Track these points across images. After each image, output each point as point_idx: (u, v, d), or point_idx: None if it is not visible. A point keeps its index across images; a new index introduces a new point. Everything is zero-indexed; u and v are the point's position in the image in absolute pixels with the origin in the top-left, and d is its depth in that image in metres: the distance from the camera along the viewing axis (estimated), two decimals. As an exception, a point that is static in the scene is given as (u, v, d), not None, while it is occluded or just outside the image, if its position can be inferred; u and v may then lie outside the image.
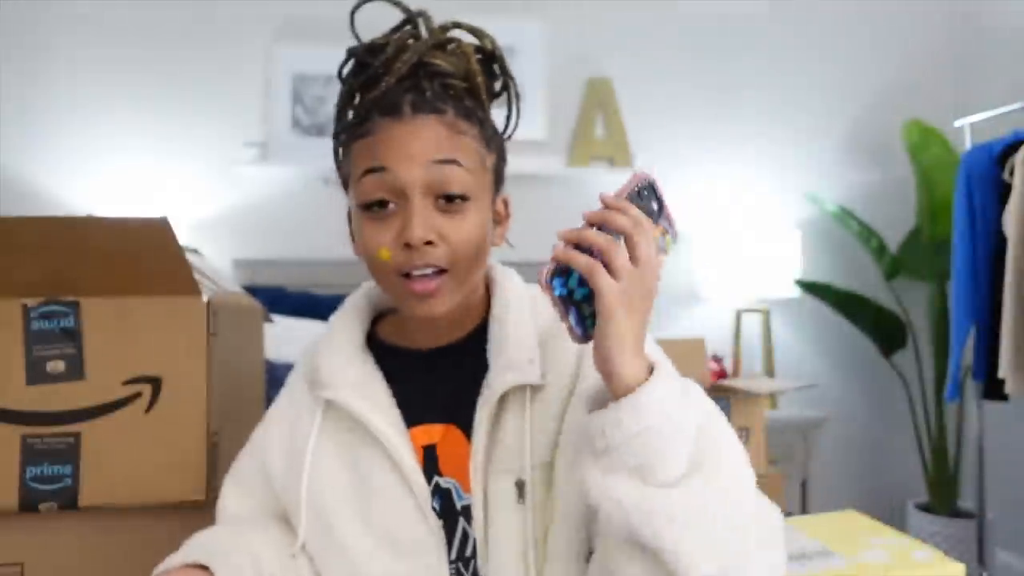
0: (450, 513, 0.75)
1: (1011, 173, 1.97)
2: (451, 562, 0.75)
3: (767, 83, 2.80)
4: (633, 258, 0.59)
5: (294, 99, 2.57)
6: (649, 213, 0.63)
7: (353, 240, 0.79)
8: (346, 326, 0.82)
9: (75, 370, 0.90)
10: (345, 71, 0.81)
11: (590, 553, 0.71)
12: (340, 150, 0.79)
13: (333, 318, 0.84)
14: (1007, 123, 2.17)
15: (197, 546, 0.76)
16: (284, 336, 2.10)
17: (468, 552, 0.75)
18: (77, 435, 0.89)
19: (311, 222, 2.59)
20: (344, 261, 2.89)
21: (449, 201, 0.71)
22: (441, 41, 0.76)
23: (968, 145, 2.22)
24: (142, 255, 0.88)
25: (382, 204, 0.71)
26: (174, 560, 0.73)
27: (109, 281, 0.90)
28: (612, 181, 2.72)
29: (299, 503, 0.77)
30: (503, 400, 0.74)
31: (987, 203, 2.07)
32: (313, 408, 0.80)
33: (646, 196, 0.65)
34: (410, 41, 0.77)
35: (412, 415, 0.77)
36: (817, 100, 2.83)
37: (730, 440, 0.65)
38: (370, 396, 0.77)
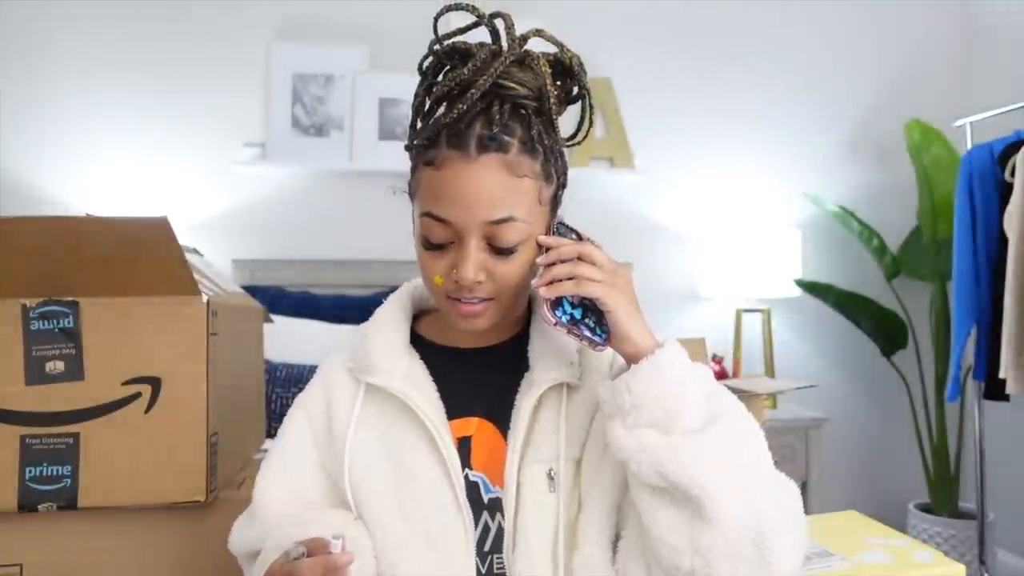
0: (475, 506, 0.78)
1: (1012, 173, 1.97)
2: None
3: (767, 83, 2.80)
4: (598, 264, 0.73)
5: (294, 99, 2.56)
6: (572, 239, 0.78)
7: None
8: (393, 320, 0.86)
9: (74, 370, 0.90)
10: (425, 65, 0.81)
11: (617, 539, 0.77)
12: (411, 158, 0.81)
13: (379, 313, 0.87)
14: (1008, 123, 2.17)
15: (314, 522, 0.77)
16: (284, 336, 2.10)
17: (487, 547, 0.77)
18: (76, 435, 0.89)
19: (311, 222, 2.59)
20: (344, 261, 2.89)
21: (501, 249, 0.75)
22: (519, 57, 0.77)
23: (969, 145, 2.22)
24: (142, 255, 0.88)
25: (440, 244, 0.77)
26: (287, 536, 0.73)
27: (108, 281, 0.90)
28: (612, 181, 2.72)
29: (345, 488, 0.80)
30: (540, 397, 0.79)
31: (988, 203, 2.07)
32: (353, 394, 0.83)
33: (564, 231, 0.79)
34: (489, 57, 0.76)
35: (450, 409, 0.81)
36: (817, 100, 2.83)
37: (738, 404, 0.73)
38: (419, 388, 0.81)
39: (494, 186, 0.73)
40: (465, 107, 0.73)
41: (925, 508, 2.53)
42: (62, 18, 2.49)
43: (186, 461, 0.91)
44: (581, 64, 0.82)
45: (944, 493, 2.51)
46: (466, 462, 0.79)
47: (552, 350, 0.81)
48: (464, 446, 0.80)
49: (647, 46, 2.75)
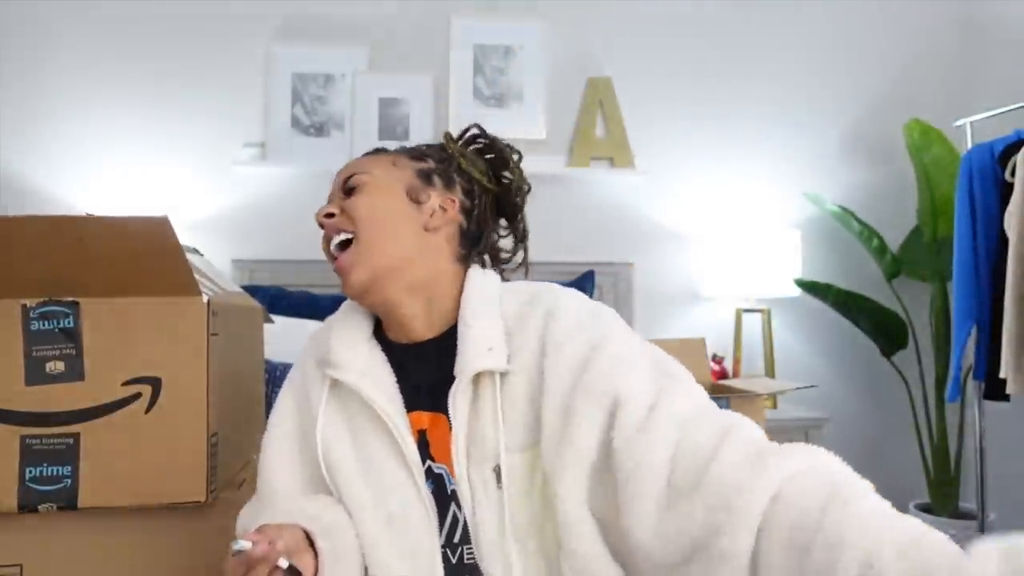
0: (442, 497, 0.80)
1: (1012, 172, 1.97)
2: (441, 546, 0.79)
3: (767, 82, 2.80)
4: None
5: (294, 99, 2.56)
6: None
7: None
8: (355, 314, 0.90)
9: (74, 370, 0.90)
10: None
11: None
12: None
13: (344, 306, 0.92)
14: (1008, 122, 2.16)
15: (294, 512, 0.79)
16: (284, 336, 2.10)
17: (457, 538, 0.79)
18: (76, 436, 0.89)
19: (311, 222, 2.58)
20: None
21: (349, 191, 0.88)
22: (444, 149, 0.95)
23: (969, 144, 2.22)
24: (142, 255, 0.88)
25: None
26: (261, 522, 0.76)
27: (109, 281, 0.90)
28: (612, 181, 2.72)
29: (324, 473, 0.84)
30: (478, 389, 0.79)
31: (988, 202, 2.07)
32: (322, 384, 0.86)
33: None
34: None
35: (408, 402, 0.84)
36: (817, 100, 2.82)
37: None
38: (376, 381, 0.84)
39: (359, 161, 0.90)
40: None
41: (925, 508, 2.53)
42: (62, 19, 2.49)
43: (186, 461, 0.91)
44: (513, 162, 0.95)
45: (944, 493, 2.51)
46: (428, 455, 0.82)
47: (470, 338, 0.80)
48: (423, 439, 0.82)
49: (647, 46, 2.75)
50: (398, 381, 0.85)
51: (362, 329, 0.89)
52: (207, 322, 0.93)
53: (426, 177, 0.88)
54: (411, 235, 0.85)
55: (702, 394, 0.75)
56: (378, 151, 0.93)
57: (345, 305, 0.92)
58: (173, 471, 0.91)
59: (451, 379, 0.80)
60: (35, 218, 0.87)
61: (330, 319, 0.92)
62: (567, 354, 0.76)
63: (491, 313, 0.83)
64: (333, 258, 0.86)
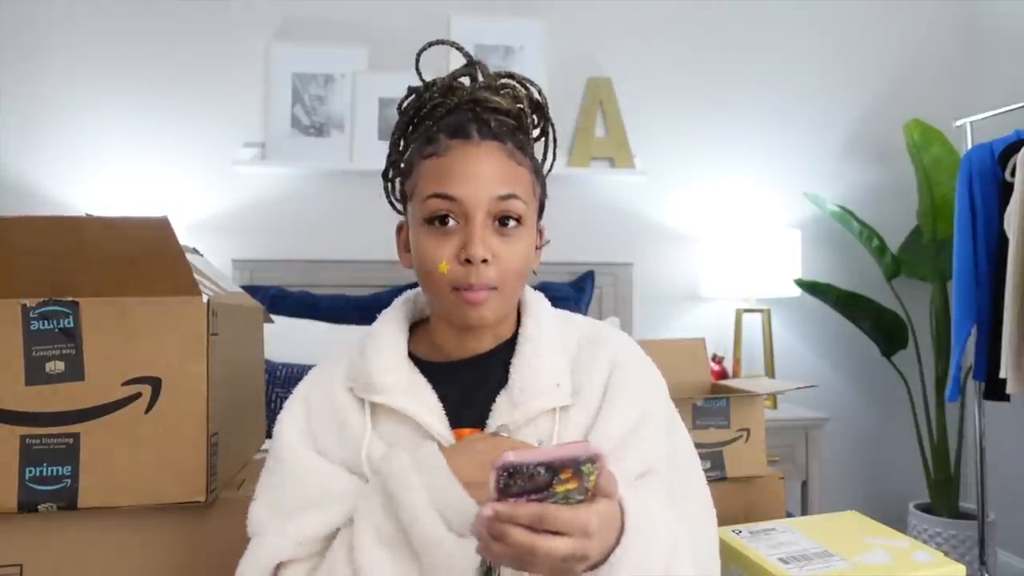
0: None
1: (1012, 173, 1.97)
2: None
3: (767, 82, 2.80)
4: (564, 527, 0.58)
5: (294, 99, 2.56)
6: (543, 484, 0.56)
7: (403, 251, 0.86)
8: (392, 335, 0.85)
9: (74, 370, 0.90)
10: (405, 104, 0.87)
11: None
12: (401, 171, 0.85)
13: (378, 327, 0.86)
14: (1008, 123, 2.17)
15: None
16: (284, 336, 2.10)
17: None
18: (76, 436, 0.89)
19: (311, 222, 2.59)
20: (344, 261, 2.88)
21: (504, 224, 0.78)
22: (494, 85, 0.84)
23: (969, 145, 2.22)
24: (142, 255, 0.88)
25: (444, 220, 0.77)
26: None
27: (109, 281, 0.90)
28: (612, 181, 2.72)
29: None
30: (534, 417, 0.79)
31: (988, 203, 2.07)
32: (361, 410, 0.81)
33: (526, 472, 0.55)
34: (465, 79, 0.84)
35: (450, 419, 0.81)
36: (818, 100, 2.83)
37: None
38: (421, 401, 0.80)
39: (500, 166, 0.77)
40: (452, 102, 0.81)
41: (925, 508, 2.53)
42: (62, 18, 2.49)
43: (186, 461, 0.91)
44: (547, 101, 0.90)
45: (944, 493, 2.51)
46: None
47: (539, 371, 0.80)
48: None
49: (647, 46, 2.75)
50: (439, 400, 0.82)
51: (399, 352, 0.84)
52: (207, 322, 0.93)
53: (540, 209, 0.85)
54: (528, 278, 0.82)
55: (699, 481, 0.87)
56: (511, 139, 0.80)
57: (378, 328, 0.86)
58: (173, 471, 0.91)
59: (497, 394, 0.80)
60: (35, 218, 0.87)
61: (361, 344, 0.85)
62: (627, 405, 0.81)
63: (556, 346, 0.83)
64: (457, 286, 0.77)
